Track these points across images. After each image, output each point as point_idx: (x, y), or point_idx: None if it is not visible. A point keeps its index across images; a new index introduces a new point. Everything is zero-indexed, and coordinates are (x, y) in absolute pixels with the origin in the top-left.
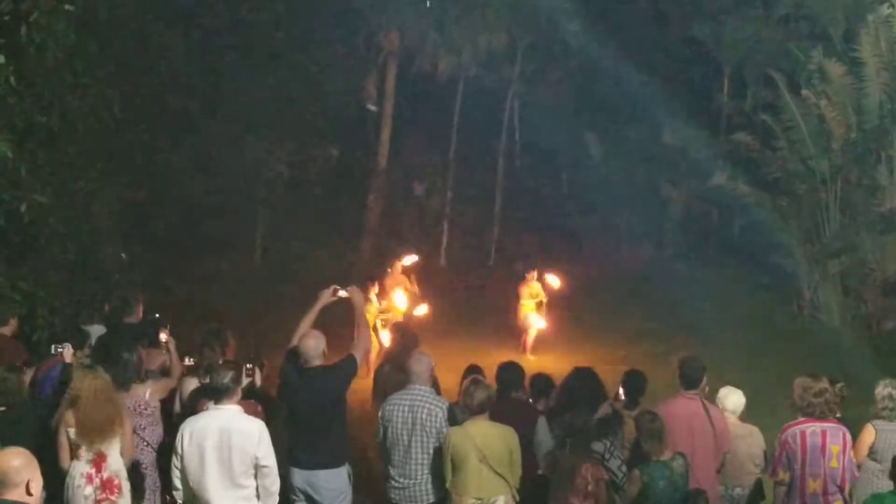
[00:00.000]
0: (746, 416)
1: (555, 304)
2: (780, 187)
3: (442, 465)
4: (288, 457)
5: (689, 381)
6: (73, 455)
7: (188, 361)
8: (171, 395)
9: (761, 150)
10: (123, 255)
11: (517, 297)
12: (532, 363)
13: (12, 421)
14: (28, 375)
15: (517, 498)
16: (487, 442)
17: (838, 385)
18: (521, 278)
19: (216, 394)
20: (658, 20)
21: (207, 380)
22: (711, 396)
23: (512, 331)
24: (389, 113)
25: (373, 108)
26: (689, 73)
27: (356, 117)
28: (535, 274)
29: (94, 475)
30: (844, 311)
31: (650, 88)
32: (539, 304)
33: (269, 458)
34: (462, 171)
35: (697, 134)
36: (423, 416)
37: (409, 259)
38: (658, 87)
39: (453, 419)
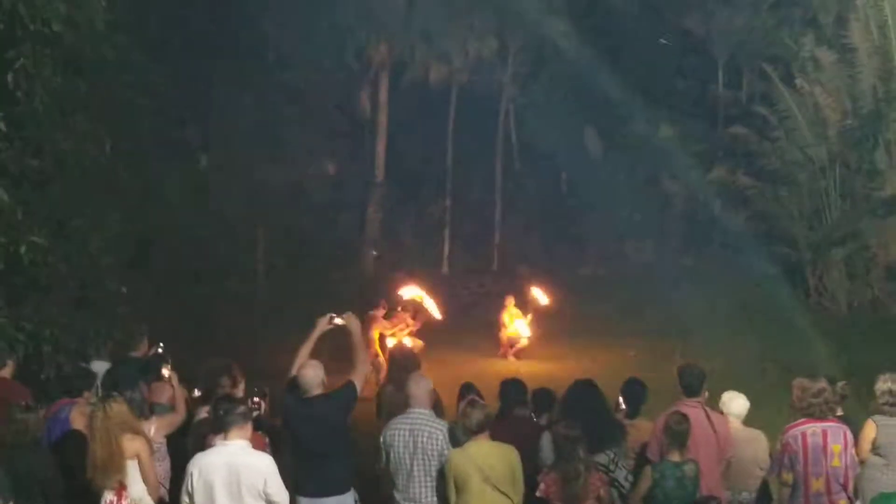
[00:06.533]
0: (758, 410)
1: (545, 316)
2: (779, 177)
3: (445, 487)
4: (293, 486)
5: (690, 389)
6: (101, 483)
7: (196, 393)
8: (182, 429)
9: (759, 141)
10: (124, 289)
11: (499, 325)
12: (522, 369)
13: (29, 461)
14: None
15: None
16: (489, 462)
17: (839, 384)
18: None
19: (224, 428)
20: (650, 12)
21: (216, 414)
22: (715, 398)
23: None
24: (384, 124)
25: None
26: (683, 65)
27: (351, 131)
28: (512, 300)
29: (115, 503)
30: (851, 297)
31: (645, 83)
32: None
33: (279, 496)
34: (460, 177)
35: (695, 126)
36: (424, 440)
37: (410, 291)
38: (653, 81)
39: (455, 440)
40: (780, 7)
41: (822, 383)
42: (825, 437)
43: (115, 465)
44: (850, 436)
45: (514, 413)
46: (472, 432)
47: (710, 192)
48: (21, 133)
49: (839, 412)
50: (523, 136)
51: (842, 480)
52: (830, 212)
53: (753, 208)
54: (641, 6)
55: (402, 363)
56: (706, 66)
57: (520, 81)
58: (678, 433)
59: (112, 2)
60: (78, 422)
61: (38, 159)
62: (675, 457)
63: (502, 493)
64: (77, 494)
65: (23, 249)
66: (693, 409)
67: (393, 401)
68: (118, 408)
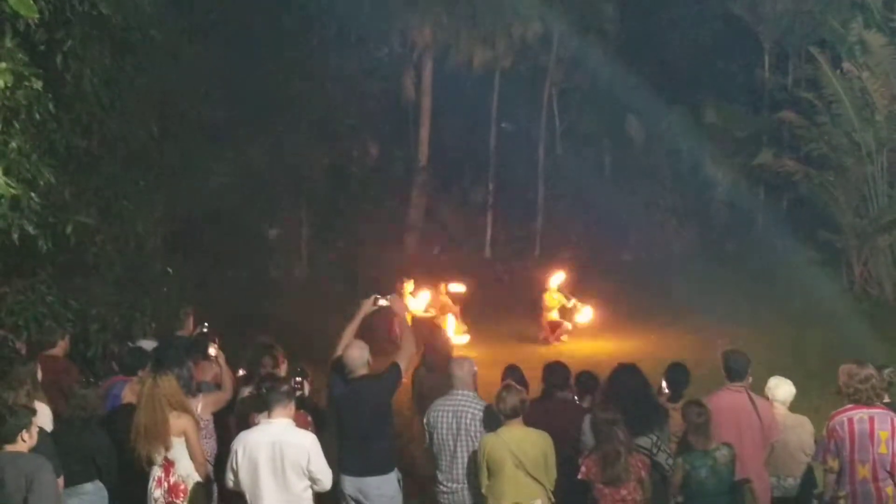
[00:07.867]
0: (802, 396)
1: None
2: (825, 162)
3: (477, 470)
4: (338, 464)
5: (734, 373)
6: (149, 460)
7: (241, 372)
8: (228, 407)
9: (806, 127)
10: (169, 269)
11: (540, 310)
12: (566, 352)
13: (86, 436)
14: None
15: (552, 500)
16: (522, 447)
17: (887, 370)
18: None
19: (268, 407)
20: None
21: (259, 393)
22: (760, 385)
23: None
24: (428, 108)
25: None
26: (728, 49)
27: (394, 114)
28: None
29: (163, 479)
30: None
31: (690, 67)
32: (564, 309)
33: (322, 473)
34: (503, 161)
35: (740, 111)
36: (468, 422)
37: (456, 287)
38: (698, 66)
39: (490, 420)
40: None
41: (870, 369)
42: (872, 423)
43: (158, 434)
44: None
45: (557, 396)
46: (506, 417)
47: (754, 177)
48: (69, 114)
49: (886, 399)
50: (566, 120)
51: (888, 467)
52: (877, 198)
53: (798, 194)
54: None
55: (434, 346)
56: (752, 51)
57: (563, 66)
58: (699, 426)
59: None
60: (130, 398)
61: (85, 140)
62: (706, 445)
63: (534, 478)
64: (126, 468)
65: (69, 229)
66: (737, 394)
67: (425, 383)
68: (168, 381)
